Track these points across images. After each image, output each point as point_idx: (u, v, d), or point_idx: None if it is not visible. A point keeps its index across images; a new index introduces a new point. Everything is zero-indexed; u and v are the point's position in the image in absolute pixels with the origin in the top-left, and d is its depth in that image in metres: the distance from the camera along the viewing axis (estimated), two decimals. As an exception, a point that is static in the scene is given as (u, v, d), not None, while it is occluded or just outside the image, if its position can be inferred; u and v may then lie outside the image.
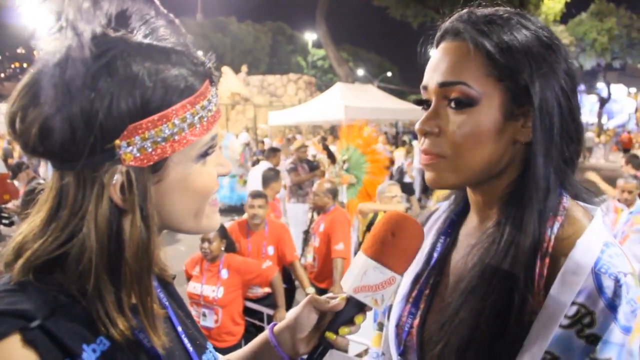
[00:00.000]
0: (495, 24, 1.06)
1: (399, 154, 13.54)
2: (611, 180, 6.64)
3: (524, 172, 1.07)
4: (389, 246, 1.10)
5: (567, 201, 1.09)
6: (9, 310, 0.78)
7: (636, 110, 47.65)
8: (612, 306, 0.94)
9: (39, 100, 0.81)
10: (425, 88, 1.12)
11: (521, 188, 1.07)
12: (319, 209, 5.79)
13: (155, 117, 0.85)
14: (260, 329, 4.64)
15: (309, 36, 53.63)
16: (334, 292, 5.08)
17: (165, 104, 0.86)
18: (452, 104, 1.06)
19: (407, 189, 10.87)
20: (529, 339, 0.97)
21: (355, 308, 1.12)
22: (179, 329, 1.06)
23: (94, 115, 0.81)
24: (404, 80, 59.03)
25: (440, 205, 1.39)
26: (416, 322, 1.22)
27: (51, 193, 0.89)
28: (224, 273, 4.38)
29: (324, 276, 5.47)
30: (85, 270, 0.84)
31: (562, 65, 1.07)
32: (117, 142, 0.83)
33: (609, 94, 46.22)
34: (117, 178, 0.85)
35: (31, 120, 0.82)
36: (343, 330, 1.12)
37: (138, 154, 0.85)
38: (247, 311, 4.71)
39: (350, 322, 1.13)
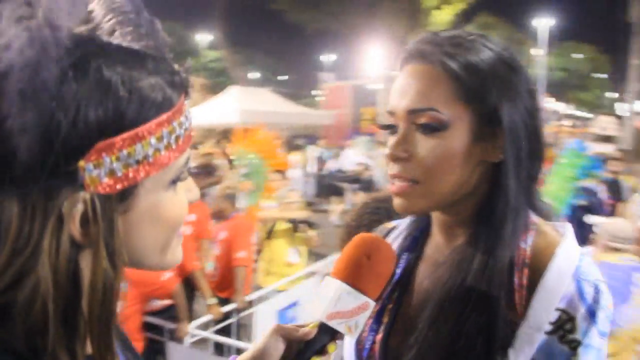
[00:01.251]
0: (461, 47, 1.06)
1: (294, 159, 13.57)
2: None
3: (493, 191, 1.08)
4: (364, 269, 1.05)
5: (533, 216, 1.12)
6: None
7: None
8: (592, 312, 0.99)
9: None
10: (392, 113, 1.10)
11: (490, 207, 1.08)
12: (218, 216, 5.66)
13: (129, 134, 0.70)
14: (161, 345, 4.44)
15: (202, 37, 52.90)
16: (239, 301, 5.06)
17: (141, 119, 0.71)
18: (422, 129, 1.05)
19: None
20: (514, 349, 0.99)
21: (327, 336, 1.04)
22: None
23: (54, 128, 0.65)
24: (299, 84, 59.55)
25: (397, 223, 1.37)
26: (379, 337, 1.19)
27: None
28: (122, 287, 4.14)
29: (226, 285, 5.34)
30: (37, 322, 0.67)
31: (525, 85, 1.09)
32: (82, 163, 0.67)
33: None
34: (78, 207, 0.69)
35: None
36: None
37: (105, 179, 0.69)
38: (146, 326, 4.45)
39: (321, 351, 1.04)
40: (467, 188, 1.08)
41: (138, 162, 0.72)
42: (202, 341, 4.58)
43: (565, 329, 0.98)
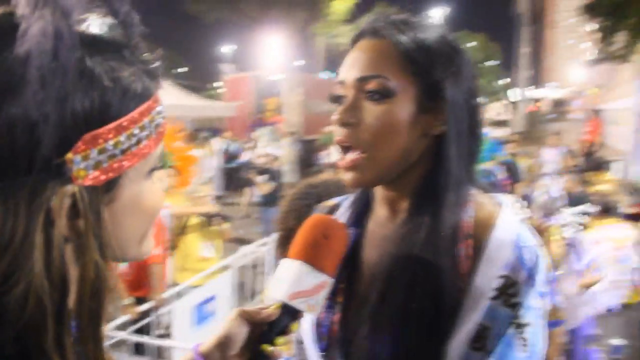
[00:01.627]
0: (411, 25, 1.13)
1: (199, 152, 13.37)
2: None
3: (435, 164, 1.13)
4: (322, 249, 1.10)
5: (473, 189, 1.18)
6: None
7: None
8: (532, 275, 1.05)
9: None
10: (342, 83, 1.15)
11: (433, 180, 1.13)
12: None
13: (114, 124, 0.70)
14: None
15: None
16: (155, 299, 4.95)
17: (124, 110, 0.71)
18: (370, 96, 1.10)
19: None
20: (462, 315, 1.04)
21: (289, 316, 1.07)
22: None
23: (42, 120, 0.63)
24: (199, 75, 58.53)
25: (338, 200, 1.41)
26: (336, 316, 1.22)
27: None
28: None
29: (140, 284, 5.20)
30: (33, 320, 0.65)
31: (467, 67, 1.15)
32: (69, 156, 0.66)
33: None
34: (66, 201, 0.67)
35: None
36: (279, 340, 1.06)
37: (92, 171, 0.69)
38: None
39: (285, 331, 1.07)
40: (412, 158, 1.13)
41: (123, 153, 0.72)
42: (120, 343, 4.45)
43: (508, 294, 1.04)
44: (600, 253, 5.66)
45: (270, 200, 9.88)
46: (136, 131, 0.73)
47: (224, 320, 1.10)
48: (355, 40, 1.18)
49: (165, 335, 5.28)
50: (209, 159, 13.12)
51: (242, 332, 1.07)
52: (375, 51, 1.12)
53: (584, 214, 4.75)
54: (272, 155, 10.80)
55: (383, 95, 1.09)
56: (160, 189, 0.84)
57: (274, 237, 6.83)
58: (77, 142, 0.67)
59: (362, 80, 1.11)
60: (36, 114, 0.63)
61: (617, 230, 5.98)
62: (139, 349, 4.52)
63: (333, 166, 9.62)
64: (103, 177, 0.70)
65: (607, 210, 6.11)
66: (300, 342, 1.34)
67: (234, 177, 15.61)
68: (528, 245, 1.08)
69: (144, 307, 4.86)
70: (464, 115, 1.12)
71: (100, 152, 0.69)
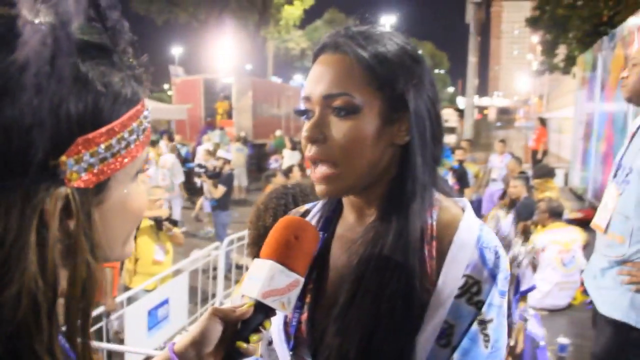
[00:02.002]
0: (371, 39, 1.15)
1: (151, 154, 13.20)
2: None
3: (402, 171, 1.17)
4: (294, 249, 1.13)
5: (436, 193, 1.22)
6: None
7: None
8: (493, 275, 1.11)
9: None
10: (308, 99, 1.17)
11: (400, 186, 1.16)
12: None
13: (106, 128, 0.72)
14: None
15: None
16: (107, 304, 4.88)
17: (115, 114, 0.73)
18: (336, 113, 1.12)
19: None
20: (429, 314, 1.09)
21: (262, 314, 1.10)
22: None
23: (37, 124, 0.64)
24: (148, 77, 57.44)
25: (309, 206, 1.46)
26: (304, 316, 1.26)
27: None
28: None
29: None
30: (26, 320, 0.66)
31: (427, 76, 1.19)
32: (63, 158, 0.68)
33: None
34: (59, 203, 0.68)
35: None
36: (253, 337, 1.09)
37: (84, 174, 0.70)
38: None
39: (258, 329, 1.10)
40: (379, 168, 1.16)
41: (113, 156, 0.73)
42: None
43: (471, 292, 1.10)
44: (546, 257, 5.85)
45: (222, 204, 9.83)
46: (126, 135, 0.75)
47: (200, 319, 1.13)
48: (317, 54, 1.20)
49: (115, 341, 5.21)
50: (156, 162, 12.92)
51: (216, 331, 1.09)
52: (339, 67, 1.13)
53: (531, 251, 4.85)
54: (223, 159, 10.72)
55: (349, 111, 1.11)
56: (144, 191, 0.86)
57: (226, 241, 6.75)
58: (71, 146, 0.68)
59: (328, 98, 1.13)
60: (32, 118, 0.64)
61: (563, 234, 6.18)
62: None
63: (284, 171, 9.63)
64: (94, 180, 0.72)
65: (554, 215, 6.32)
66: (269, 343, 1.37)
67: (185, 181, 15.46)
68: (489, 246, 1.13)
69: (97, 311, 4.78)
70: (426, 123, 1.16)
71: (92, 155, 0.71)
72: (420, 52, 1.21)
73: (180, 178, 11.85)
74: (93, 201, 0.73)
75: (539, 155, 18.08)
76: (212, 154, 12.72)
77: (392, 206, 1.17)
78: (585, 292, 3.33)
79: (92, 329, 3.82)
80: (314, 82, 1.16)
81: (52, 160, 0.67)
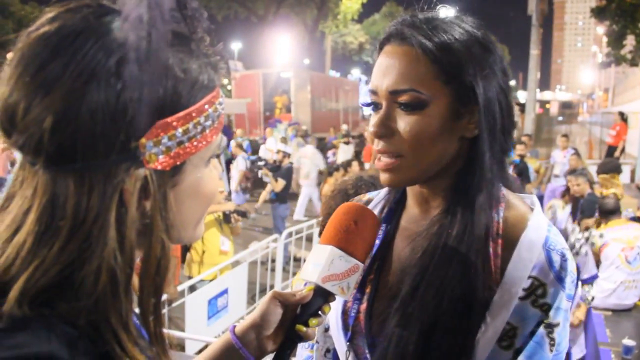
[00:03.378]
0: (439, 28, 1.11)
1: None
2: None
3: (469, 164, 1.15)
4: (353, 235, 1.13)
5: (503, 189, 1.20)
6: (27, 355, 0.63)
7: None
8: (560, 278, 1.08)
9: (54, 85, 0.67)
10: (375, 92, 1.16)
11: (467, 179, 1.14)
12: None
13: (184, 113, 0.74)
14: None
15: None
16: (170, 292, 5.00)
17: (193, 100, 0.75)
18: (403, 107, 1.11)
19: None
20: (491, 313, 1.07)
21: (322, 298, 1.12)
22: None
23: (121, 107, 0.68)
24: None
25: (371, 195, 1.44)
26: (363, 306, 1.25)
27: (36, 200, 0.70)
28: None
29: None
30: (105, 294, 0.70)
31: (499, 64, 1.15)
32: (143, 140, 0.71)
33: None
34: (138, 183, 0.72)
35: (41, 111, 0.67)
36: (312, 321, 1.10)
37: (161, 156, 0.73)
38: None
39: (317, 313, 1.12)
40: (446, 161, 1.15)
41: (189, 140, 0.76)
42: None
43: (537, 294, 1.07)
44: (608, 254, 5.69)
45: (281, 197, 9.92)
46: (202, 120, 0.77)
47: (260, 302, 1.15)
48: (383, 43, 1.17)
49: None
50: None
51: (276, 314, 1.12)
52: (405, 61, 1.11)
53: (587, 239, 4.76)
54: (283, 152, 10.81)
55: (415, 107, 1.09)
56: (216, 175, 0.87)
57: (285, 233, 6.83)
58: (151, 128, 0.71)
59: (394, 93, 1.11)
60: (116, 103, 0.68)
61: (625, 231, 5.99)
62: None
63: (343, 165, 9.65)
64: (171, 162, 0.74)
65: (613, 212, 6.12)
66: (326, 329, 1.37)
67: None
68: (557, 248, 1.11)
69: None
70: (496, 116, 1.12)
71: (170, 138, 0.73)
72: (491, 38, 1.17)
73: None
74: (169, 183, 0.76)
75: (617, 153, 16.66)
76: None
77: (458, 199, 1.14)
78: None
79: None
80: (380, 75, 1.14)
81: (132, 142, 0.70)
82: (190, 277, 5.67)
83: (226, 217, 5.88)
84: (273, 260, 7.14)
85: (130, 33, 0.69)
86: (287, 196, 10.25)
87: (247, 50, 49.36)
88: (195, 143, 0.77)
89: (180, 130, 0.74)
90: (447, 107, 1.10)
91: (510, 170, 5.74)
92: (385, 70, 1.13)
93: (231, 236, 6.07)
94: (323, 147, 20.99)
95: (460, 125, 1.13)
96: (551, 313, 1.07)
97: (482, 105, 1.10)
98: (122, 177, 0.70)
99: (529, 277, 1.08)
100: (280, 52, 32.57)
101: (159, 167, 0.73)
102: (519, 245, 1.10)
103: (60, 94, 0.67)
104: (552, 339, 1.07)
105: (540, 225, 1.14)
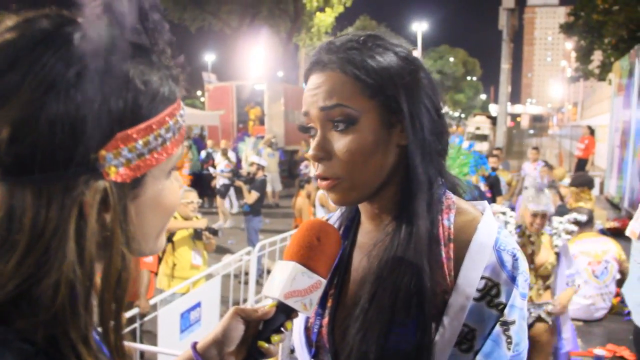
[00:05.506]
0: (355, 49, 1.16)
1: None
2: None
3: (408, 172, 1.19)
4: (316, 251, 1.15)
5: (452, 196, 1.24)
6: None
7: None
8: (513, 277, 1.13)
9: (12, 95, 0.66)
10: (307, 114, 1.20)
11: (408, 186, 1.18)
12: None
13: (144, 125, 0.74)
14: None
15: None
16: (141, 305, 4.95)
17: (153, 112, 0.75)
18: (337, 127, 1.15)
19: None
20: (448, 316, 1.11)
21: (284, 314, 1.12)
22: None
23: (80, 118, 0.67)
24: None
25: (328, 215, 1.47)
26: (325, 320, 1.27)
27: None
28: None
29: (131, 290, 5.18)
30: (64, 308, 0.69)
31: (421, 72, 1.19)
32: (103, 152, 0.70)
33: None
34: (97, 196, 0.71)
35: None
36: (274, 338, 1.11)
37: (122, 168, 0.72)
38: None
39: (279, 330, 1.12)
40: (386, 171, 1.18)
41: (150, 152, 0.76)
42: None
43: (491, 295, 1.11)
44: (576, 267, 5.77)
45: (254, 209, 9.88)
46: (163, 132, 0.77)
47: (222, 318, 1.14)
48: (307, 74, 1.22)
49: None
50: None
51: (238, 330, 1.11)
52: (330, 82, 1.15)
53: (573, 222, 4.86)
54: (257, 165, 10.78)
55: (348, 123, 1.13)
56: (177, 188, 0.88)
57: (258, 246, 6.78)
58: (111, 140, 0.71)
59: (324, 110, 1.15)
60: (75, 113, 0.67)
61: (593, 245, 6.06)
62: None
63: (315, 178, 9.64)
64: (131, 174, 0.74)
65: (586, 224, 6.20)
66: (292, 351, 1.38)
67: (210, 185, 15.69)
68: (507, 249, 1.15)
69: (131, 313, 4.85)
70: (424, 120, 1.16)
71: (130, 150, 0.73)
72: (411, 50, 1.23)
73: None
74: (129, 195, 0.76)
75: (588, 166, 17.17)
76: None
77: (403, 207, 1.19)
78: (622, 302, 3.28)
79: (127, 329, 3.86)
80: (309, 98, 1.18)
81: (92, 154, 0.70)
82: (162, 291, 5.61)
83: (197, 234, 5.85)
84: (246, 274, 7.10)
85: (91, 45, 0.69)
86: (260, 209, 10.21)
87: (221, 62, 49.32)
88: (155, 155, 0.76)
89: (140, 142, 0.74)
90: (378, 119, 1.15)
91: (483, 183, 5.81)
92: (313, 93, 1.18)
93: (204, 251, 6.03)
94: (295, 159, 20.98)
95: (395, 133, 1.17)
96: (506, 311, 1.11)
97: (407, 113, 1.15)
98: (82, 190, 0.69)
99: (482, 277, 1.12)
100: (254, 64, 32.54)
101: (119, 180, 0.72)
102: (470, 248, 1.15)
103: (18, 104, 0.66)
104: (509, 337, 1.10)
105: (489, 228, 1.18)
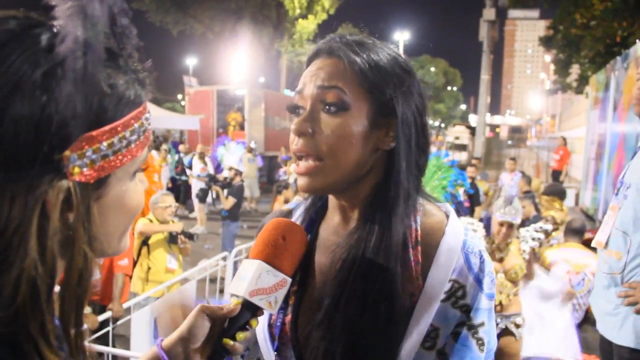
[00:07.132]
0: (364, 46, 1.19)
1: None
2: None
3: (386, 177, 1.20)
4: (281, 249, 1.16)
5: (420, 199, 1.26)
6: None
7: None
8: (479, 279, 1.15)
9: None
10: (300, 92, 1.21)
11: (384, 191, 1.19)
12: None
13: (109, 127, 0.76)
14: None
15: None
16: (115, 309, 4.91)
17: (118, 114, 0.77)
18: (327, 108, 1.16)
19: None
20: (415, 317, 1.13)
21: (249, 312, 1.13)
22: None
23: (45, 119, 0.69)
24: (160, 87, 57.94)
25: (292, 205, 1.48)
26: (288, 317, 1.28)
27: None
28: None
29: (106, 293, 5.17)
30: (22, 306, 0.70)
31: (417, 87, 1.22)
32: (67, 153, 0.71)
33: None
34: (60, 195, 0.72)
35: None
36: (240, 335, 1.12)
37: (85, 169, 0.74)
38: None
39: (245, 327, 1.13)
40: (362, 171, 1.19)
41: (114, 153, 0.77)
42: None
43: (457, 296, 1.14)
44: (555, 273, 5.81)
45: (232, 215, 9.86)
46: (127, 134, 0.78)
47: (189, 315, 1.15)
48: (312, 58, 1.24)
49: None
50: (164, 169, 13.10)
51: (204, 327, 1.12)
52: (332, 66, 1.17)
53: (541, 230, 4.93)
54: (235, 170, 10.76)
55: (339, 107, 1.14)
56: (141, 189, 0.89)
57: (234, 251, 6.74)
58: (75, 141, 0.72)
59: (321, 88, 1.16)
60: (40, 114, 0.68)
61: (576, 255, 6.12)
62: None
63: (295, 183, 9.64)
64: (95, 175, 0.75)
65: (576, 234, 6.25)
66: (255, 343, 1.38)
67: (185, 190, 15.65)
68: (475, 251, 1.17)
69: (104, 316, 4.82)
70: (412, 131, 1.19)
71: (95, 151, 0.74)
72: (411, 63, 1.26)
73: None
74: (93, 195, 0.77)
75: (562, 177, 17.30)
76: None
77: (376, 211, 1.19)
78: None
79: (99, 333, 3.82)
80: (308, 78, 1.20)
81: (56, 155, 0.71)
82: (136, 294, 5.58)
83: (172, 238, 5.82)
84: (223, 278, 7.08)
85: (58, 47, 0.70)
86: (238, 214, 10.19)
87: (202, 66, 49.19)
88: (120, 157, 0.78)
89: (105, 144, 0.75)
90: (367, 115, 1.16)
91: (461, 193, 5.79)
92: (314, 73, 1.19)
93: (180, 255, 6.01)
94: (274, 165, 20.94)
95: (377, 135, 1.18)
96: (472, 314, 1.13)
97: (401, 119, 1.17)
98: (45, 189, 0.70)
99: (450, 280, 1.14)
100: (235, 69, 32.50)
101: (83, 180, 0.74)
102: (439, 251, 1.17)
103: None
104: (480, 339, 1.14)
105: (457, 230, 1.20)
